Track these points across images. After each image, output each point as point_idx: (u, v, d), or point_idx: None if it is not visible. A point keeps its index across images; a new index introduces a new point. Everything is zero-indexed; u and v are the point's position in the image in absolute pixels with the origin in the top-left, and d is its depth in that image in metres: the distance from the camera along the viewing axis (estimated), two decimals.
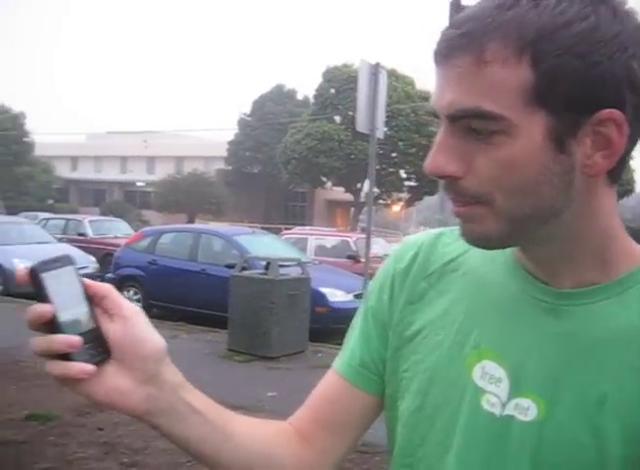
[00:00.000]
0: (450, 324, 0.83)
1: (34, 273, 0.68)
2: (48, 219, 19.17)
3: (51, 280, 0.68)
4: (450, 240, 0.90)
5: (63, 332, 0.68)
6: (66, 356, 0.68)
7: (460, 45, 0.68)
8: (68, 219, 18.92)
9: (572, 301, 0.76)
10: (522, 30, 0.65)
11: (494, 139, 0.68)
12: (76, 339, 0.68)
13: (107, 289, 0.74)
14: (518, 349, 0.77)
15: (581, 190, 0.71)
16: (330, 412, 0.91)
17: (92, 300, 0.72)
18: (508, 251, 0.82)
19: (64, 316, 0.68)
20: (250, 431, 0.86)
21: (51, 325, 0.68)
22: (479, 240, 0.75)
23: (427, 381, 0.83)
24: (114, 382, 0.72)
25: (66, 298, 0.69)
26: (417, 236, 0.95)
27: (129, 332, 0.73)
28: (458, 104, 0.68)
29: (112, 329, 0.72)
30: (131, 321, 0.73)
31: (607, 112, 0.66)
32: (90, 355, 0.69)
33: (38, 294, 0.68)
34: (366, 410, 0.91)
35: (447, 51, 0.69)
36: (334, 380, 0.93)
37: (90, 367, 0.69)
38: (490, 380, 0.78)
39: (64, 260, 0.71)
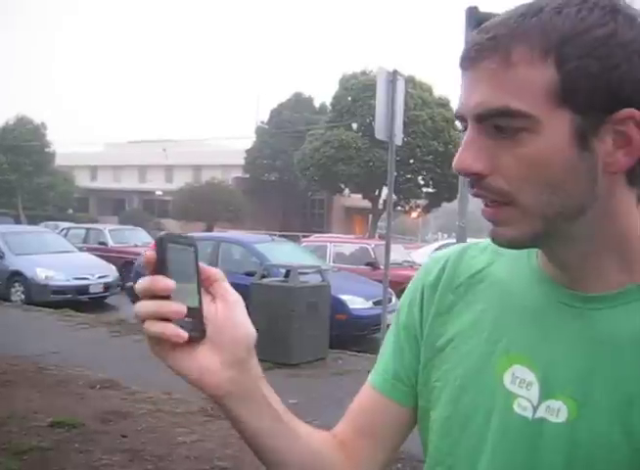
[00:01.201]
0: (479, 333, 0.85)
1: (163, 241, 0.73)
2: (69, 229, 19.36)
3: (173, 252, 0.73)
4: (476, 253, 0.93)
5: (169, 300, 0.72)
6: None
7: (488, 48, 0.72)
8: (88, 229, 19.10)
9: (599, 304, 0.78)
10: (546, 35, 0.70)
11: (521, 137, 0.71)
12: (183, 307, 0.72)
13: (218, 274, 0.78)
14: (547, 352, 0.79)
15: (604, 188, 0.73)
16: (367, 423, 0.94)
17: (203, 282, 0.76)
18: (533, 260, 0.85)
19: (176, 288, 0.72)
20: (311, 435, 0.89)
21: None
22: (510, 243, 0.77)
23: (458, 389, 0.85)
24: (204, 359, 0.75)
25: (180, 272, 0.73)
26: (444, 251, 0.98)
27: (229, 314, 0.77)
28: (487, 103, 0.72)
29: (212, 309, 0.76)
30: (233, 305, 0.78)
31: (627, 111, 0.70)
32: (187, 330, 0.72)
33: (160, 261, 0.72)
34: (401, 421, 0.93)
35: (476, 54, 0.73)
36: (369, 393, 0.96)
37: (185, 334, 0.71)
38: (521, 384, 0.80)
39: (189, 241, 0.76)
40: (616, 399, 0.74)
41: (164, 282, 0.71)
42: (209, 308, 0.76)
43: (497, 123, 0.72)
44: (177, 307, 0.71)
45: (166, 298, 0.71)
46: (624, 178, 0.75)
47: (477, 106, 0.73)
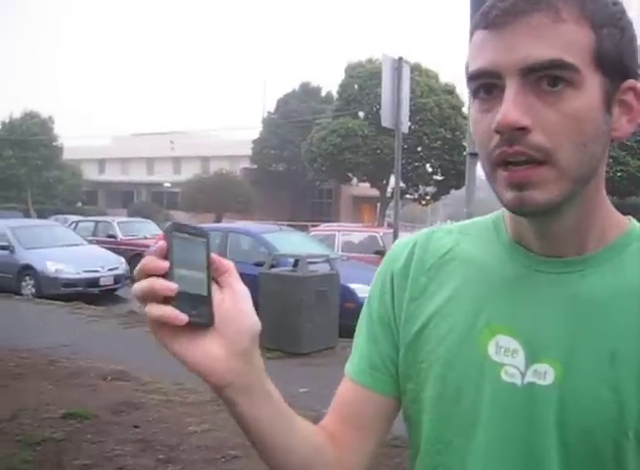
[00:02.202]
0: (457, 310, 0.87)
1: (169, 229, 0.74)
2: (78, 222, 19.42)
3: (180, 241, 0.74)
4: (442, 235, 0.94)
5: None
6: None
7: (537, 2, 0.73)
8: (97, 221, 19.16)
9: (574, 268, 0.81)
10: (584, 1, 0.75)
11: (564, 93, 0.73)
12: (174, 285, 0.72)
13: (229, 266, 0.79)
14: (528, 319, 0.81)
15: (605, 154, 0.79)
16: (351, 414, 0.95)
17: (214, 273, 0.77)
18: (503, 234, 0.87)
19: (179, 274, 0.73)
20: (308, 429, 0.89)
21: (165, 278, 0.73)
22: (545, 205, 0.75)
23: (443, 367, 0.86)
24: (210, 348, 0.75)
25: (188, 261, 0.74)
26: (408, 237, 0.98)
27: (236, 305, 0.77)
28: (537, 56, 0.73)
29: (219, 299, 0.77)
30: (240, 296, 0.78)
31: (630, 81, 0.76)
32: (194, 316, 0.73)
33: (166, 248, 0.73)
34: (383, 410, 0.94)
35: (521, 8, 0.73)
36: (348, 384, 0.96)
37: (184, 316, 0.72)
38: (506, 353, 0.81)
39: (199, 232, 0.77)
40: (599, 356, 0.77)
41: (156, 262, 0.72)
42: (217, 298, 0.77)
43: (545, 77, 0.73)
44: (169, 285, 0.71)
45: (172, 280, 0.72)
46: None
47: (524, 59, 0.73)
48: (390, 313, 0.93)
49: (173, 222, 0.75)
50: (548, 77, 0.73)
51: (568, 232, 0.81)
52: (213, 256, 0.77)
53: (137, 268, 0.73)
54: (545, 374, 0.79)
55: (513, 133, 0.74)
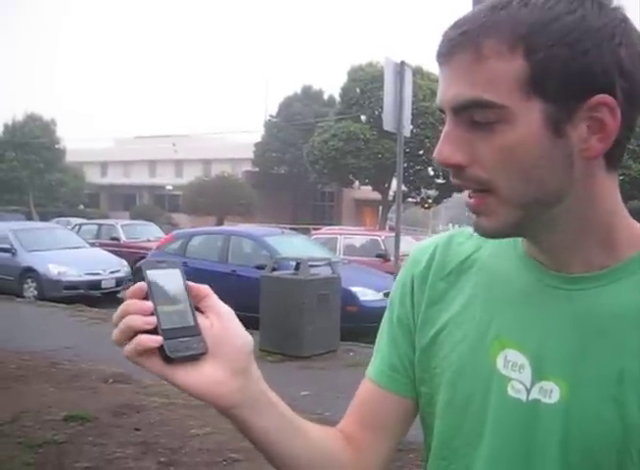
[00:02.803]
0: (470, 318, 0.87)
1: (142, 270, 0.75)
2: (81, 225, 19.47)
3: (156, 278, 0.75)
4: (462, 239, 0.94)
5: (160, 322, 0.73)
6: (162, 350, 0.73)
7: (460, 43, 0.74)
8: (100, 224, 19.20)
9: (584, 284, 0.79)
10: (514, 27, 0.71)
11: (495, 128, 0.73)
12: (152, 318, 0.72)
13: (206, 290, 0.79)
14: (536, 335, 0.80)
15: (581, 174, 0.75)
16: (370, 416, 0.95)
17: (193, 300, 0.78)
18: (519, 244, 0.87)
19: (163, 310, 0.74)
20: (314, 431, 0.89)
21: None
22: (492, 232, 0.79)
23: (454, 374, 0.86)
24: (211, 373, 0.76)
25: (168, 295, 0.75)
26: (430, 240, 0.99)
27: (225, 325, 0.78)
28: (461, 96, 0.74)
29: (207, 324, 0.77)
30: (226, 317, 0.79)
31: (599, 97, 0.71)
32: (186, 348, 0.74)
33: (144, 289, 0.74)
34: (401, 412, 0.95)
35: (449, 50, 0.75)
36: (368, 386, 0.97)
37: (158, 337, 0.72)
38: (513, 367, 0.81)
39: (171, 264, 0.78)
40: (606, 376, 0.76)
41: (139, 304, 0.73)
42: (204, 323, 0.77)
43: (473, 115, 0.74)
44: (142, 306, 0.73)
45: (158, 318, 0.73)
46: (604, 163, 0.76)
47: (452, 99, 0.75)
48: (410, 316, 0.94)
49: (145, 261, 0.76)
50: (478, 114, 0.74)
51: (566, 248, 0.80)
52: (190, 283, 0.78)
53: (117, 313, 0.74)
54: (551, 392, 0.78)
55: (450, 168, 0.77)
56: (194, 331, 0.75)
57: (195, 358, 0.75)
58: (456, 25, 0.75)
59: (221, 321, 0.78)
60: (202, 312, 0.78)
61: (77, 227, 18.64)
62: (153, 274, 0.75)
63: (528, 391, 0.80)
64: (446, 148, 0.76)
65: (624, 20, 0.73)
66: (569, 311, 0.79)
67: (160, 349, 0.73)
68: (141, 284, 0.74)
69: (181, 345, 0.74)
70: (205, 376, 0.76)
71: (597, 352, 0.77)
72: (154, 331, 0.72)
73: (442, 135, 0.77)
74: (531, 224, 0.78)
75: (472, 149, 0.75)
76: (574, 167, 0.74)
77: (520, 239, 0.87)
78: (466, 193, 0.80)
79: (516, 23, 0.71)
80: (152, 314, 0.73)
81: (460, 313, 0.88)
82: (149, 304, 0.73)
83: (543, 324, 0.80)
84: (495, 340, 0.83)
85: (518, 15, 0.71)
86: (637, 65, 0.72)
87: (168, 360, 0.73)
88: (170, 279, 0.76)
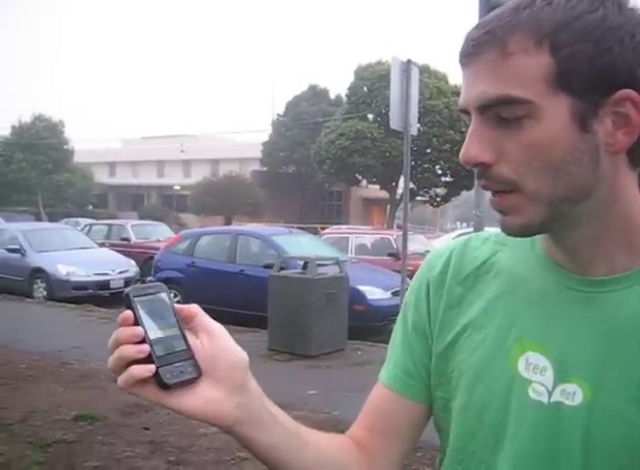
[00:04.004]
0: (490, 322, 0.86)
1: (129, 298, 0.74)
2: (91, 225, 19.51)
3: (143, 305, 0.75)
4: (478, 244, 0.94)
5: (153, 350, 0.73)
6: (157, 378, 0.73)
7: (485, 42, 0.74)
8: (110, 225, 19.21)
9: (607, 287, 0.79)
10: (539, 25, 0.72)
11: (522, 124, 0.73)
12: (145, 346, 0.72)
13: (195, 310, 0.79)
14: (559, 337, 0.80)
15: (607, 170, 0.75)
16: (382, 421, 0.95)
17: (182, 322, 0.77)
18: (538, 247, 0.87)
19: (154, 337, 0.74)
20: (321, 442, 0.89)
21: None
22: (521, 230, 0.78)
23: (472, 378, 0.86)
24: (208, 394, 0.76)
25: (157, 320, 0.75)
26: (446, 244, 0.99)
27: (217, 344, 0.78)
28: (488, 93, 0.74)
29: (199, 344, 0.77)
30: (217, 334, 0.78)
31: (623, 92, 0.72)
32: (180, 372, 0.74)
33: (132, 317, 0.74)
34: (414, 417, 0.94)
35: (474, 49, 0.76)
36: (381, 391, 0.97)
37: (151, 366, 0.72)
38: (535, 370, 0.81)
39: (156, 287, 0.77)
40: (629, 379, 0.75)
41: (130, 331, 0.73)
42: (195, 344, 0.77)
43: (499, 112, 0.74)
44: (139, 347, 0.72)
45: (150, 346, 0.73)
46: (626, 160, 0.77)
47: (478, 97, 0.75)
48: (425, 321, 0.94)
49: (131, 287, 0.75)
50: (505, 111, 0.74)
51: (589, 248, 0.80)
52: (177, 306, 0.78)
53: (111, 342, 0.74)
54: (574, 394, 0.78)
55: (476, 167, 0.77)
56: (187, 355, 0.75)
57: (190, 382, 0.75)
58: (480, 26, 0.76)
59: (213, 340, 0.78)
60: (194, 332, 0.78)
61: (88, 227, 18.69)
62: (140, 301, 0.74)
63: (550, 393, 0.79)
64: (473, 146, 0.76)
65: None
66: (591, 314, 0.79)
67: (155, 376, 0.72)
68: (129, 312, 0.74)
69: (176, 370, 0.73)
70: (201, 398, 0.76)
71: (620, 355, 0.76)
72: (147, 358, 0.72)
73: (469, 134, 0.77)
74: (558, 222, 0.78)
75: (499, 146, 0.75)
76: (600, 163, 0.74)
77: (538, 241, 0.86)
78: (488, 196, 0.80)
79: (540, 20, 0.72)
80: (143, 341, 0.72)
81: (480, 317, 0.88)
82: (139, 330, 0.73)
83: (565, 327, 0.80)
84: (516, 343, 0.83)
85: (542, 13, 0.73)
86: None
87: (164, 387, 0.73)
88: (158, 304, 0.76)
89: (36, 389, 6.04)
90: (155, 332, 0.74)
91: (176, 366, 0.74)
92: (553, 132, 0.73)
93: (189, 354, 0.75)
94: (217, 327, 0.79)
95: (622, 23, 0.72)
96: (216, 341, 0.78)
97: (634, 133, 0.74)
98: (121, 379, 0.73)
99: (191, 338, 0.77)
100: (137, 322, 0.73)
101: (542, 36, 0.72)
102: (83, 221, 23.07)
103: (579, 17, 0.72)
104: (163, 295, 0.77)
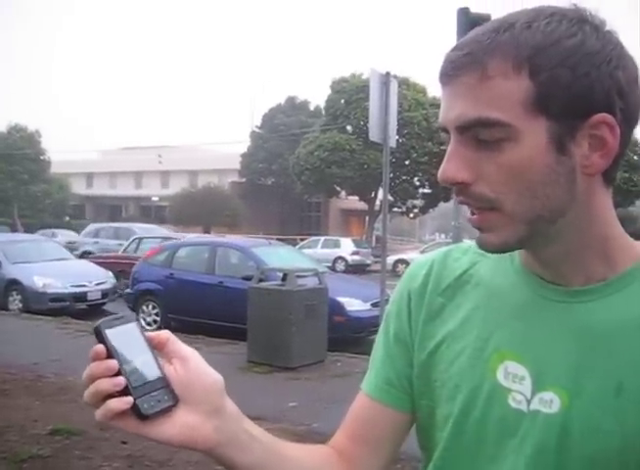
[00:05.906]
0: (469, 332, 0.88)
1: (100, 331, 0.74)
2: (140, 239, 17.82)
3: (115, 336, 0.74)
4: (459, 255, 0.95)
5: (129, 382, 0.72)
6: (135, 409, 0.72)
7: (465, 63, 0.75)
8: (166, 238, 17.26)
9: (584, 297, 0.81)
10: (519, 48, 0.73)
11: (501, 146, 0.75)
12: (121, 379, 0.72)
13: (166, 336, 0.79)
14: (537, 347, 0.82)
15: (583, 190, 0.77)
16: (363, 430, 0.95)
17: (155, 349, 0.77)
18: (516, 259, 0.88)
19: (129, 368, 0.73)
20: (301, 455, 0.90)
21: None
22: (499, 248, 0.80)
23: (453, 388, 0.87)
24: (185, 419, 0.76)
25: (130, 351, 0.74)
26: (427, 255, 1.00)
27: (191, 368, 0.78)
28: (466, 115, 0.75)
29: (173, 370, 0.77)
30: (190, 359, 0.78)
31: (600, 116, 0.74)
32: (157, 401, 0.74)
33: (105, 349, 0.73)
34: (396, 426, 0.95)
35: (453, 70, 0.77)
36: (363, 400, 0.97)
37: (129, 399, 0.72)
38: (514, 379, 0.82)
39: (126, 317, 0.77)
40: (606, 387, 0.77)
41: (104, 364, 0.72)
42: (169, 371, 0.77)
43: (478, 134, 0.75)
44: (114, 380, 0.72)
45: (125, 377, 0.72)
46: (601, 179, 0.79)
47: (457, 118, 0.76)
48: (407, 331, 0.95)
49: (102, 320, 0.75)
50: (483, 133, 0.75)
51: (566, 261, 0.82)
52: (148, 334, 0.78)
53: (85, 377, 0.74)
54: (551, 402, 0.79)
55: (455, 186, 0.78)
56: (162, 383, 0.75)
57: (168, 410, 0.75)
58: (459, 47, 0.77)
59: (186, 364, 0.78)
60: (167, 359, 0.78)
61: (137, 241, 17.39)
62: (111, 333, 0.74)
63: (529, 401, 0.81)
64: (451, 166, 0.77)
65: (618, 43, 0.76)
66: (568, 323, 0.81)
67: (133, 407, 0.72)
68: (100, 346, 0.73)
69: (152, 399, 0.73)
70: (179, 425, 0.75)
71: (597, 364, 0.78)
72: (123, 390, 0.72)
73: (447, 155, 0.78)
74: (534, 239, 0.79)
75: (477, 167, 0.76)
76: (577, 184, 0.76)
77: (517, 252, 0.88)
78: (466, 208, 0.81)
79: (519, 44, 0.73)
80: (118, 373, 0.72)
81: (458, 328, 0.89)
82: (113, 363, 0.72)
83: (543, 336, 0.82)
84: (495, 353, 0.84)
85: (521, 37, 0.73)
86: (632, 87, 0.75)
87: (143, 418, 0.73)
88: (129, 335, 0.76)
89: (12, 403, 5.94)
90: (128, 363, 0.73)
91: (153, 396, 0.73)
92: (531, 155, 0.74)
93: (164, 382, 0.75)
94: (189, 351, 0.79)
95: (599, 49, 0.74)
96: (190, 365, 0.78)
97: (609, 156, 0.76)
98: (100, 413, 0.73)
99: (165, 365, 0.77)
100: (110, 355, 0.73)
101: (521, 60, 0.73)
102: (59, 232, 22.74)
103: (558, 41, 0.73)
104: (134, 325, 0.77)
